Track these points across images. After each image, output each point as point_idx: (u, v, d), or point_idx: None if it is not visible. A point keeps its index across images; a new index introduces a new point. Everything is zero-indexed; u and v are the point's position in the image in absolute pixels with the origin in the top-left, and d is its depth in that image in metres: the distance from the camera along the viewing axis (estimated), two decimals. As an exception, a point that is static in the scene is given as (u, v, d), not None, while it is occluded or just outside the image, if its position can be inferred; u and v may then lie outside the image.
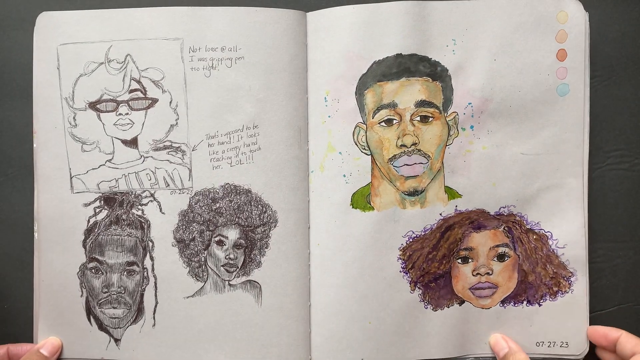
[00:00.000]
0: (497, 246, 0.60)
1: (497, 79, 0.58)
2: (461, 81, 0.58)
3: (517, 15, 0.58)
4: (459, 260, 0.60)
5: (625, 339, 0.56)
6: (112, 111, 0.60)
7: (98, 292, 0.61)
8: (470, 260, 0.60)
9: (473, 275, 0.60)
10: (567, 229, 0.59)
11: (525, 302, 0.60)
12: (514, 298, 0.60)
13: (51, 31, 0.60)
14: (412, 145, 0.59)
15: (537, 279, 0.60)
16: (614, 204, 0.61)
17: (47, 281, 0.61)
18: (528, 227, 0.60)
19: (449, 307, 0.60)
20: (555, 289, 0.60)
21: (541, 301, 0.60)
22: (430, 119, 0.59)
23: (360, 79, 0.59)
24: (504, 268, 0.60)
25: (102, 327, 0.61)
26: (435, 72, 0.58)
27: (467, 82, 0.58)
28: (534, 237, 0.60)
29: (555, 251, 0.60)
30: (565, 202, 0.59)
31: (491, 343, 0.60)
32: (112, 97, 0.60)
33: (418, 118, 0.59)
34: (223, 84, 0.59)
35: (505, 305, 0.60)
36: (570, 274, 0.60)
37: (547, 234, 0.60)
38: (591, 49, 0.60)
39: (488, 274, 0.60)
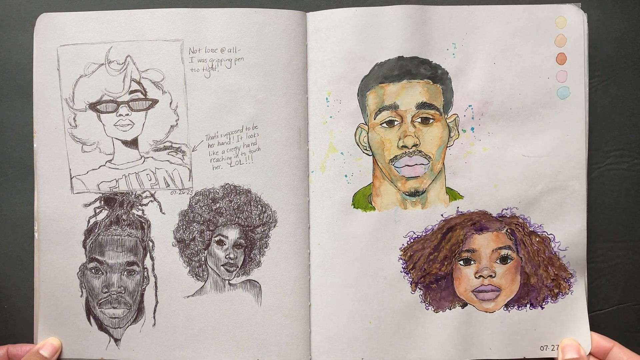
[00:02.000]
0: (500, 248, 0.60)
1: (496, 82, 0.59)
2: (461, 84, 0.59)
3: (515, 20, 0.58)
4: (461, 262, 0.60)
5: (617, 351, 0.56)
6: (112, 112, 0.60)
7: (98, 292, 0.61)
8: (472, 262, 0.60)
9: (475, 277, 0.60)
10: (569, 232, 0.59)
11: (528, 306, 0.60)
12: (518, 302, 0.60)
13: (51, 32, 0.60)
14: (413, 146, 0.59)
15: (539, 282, 0.60)
16: (614, 204, 0.61)
17: (47, 281, 0.61)
18: (531, 229, 0.60)
19: (450, 310, 0.60)
20: (555, 290, 0.60)
21: (543, 304, 0.60)
22: (431, 120, 0.59)
23: (362, 81, 0.59)
24: (506, 270, 0.60)
25: (102, 327, 0.61)
26: (435, 74, 0.59)
27: (467, 84, 0.59)
28: (537, 239, 0.60)
29: (557, 253, 0.60)
30: (567, 204, 0.59)
31: (562, 343, 0.59)
32: (112, 98, 0.60)
33: (419, 120, 0.59)
34: (223, 85, 0.59)
35: (509, 309, 0.60)
36: (570, 275, 0.60)
37: (549, 236, 0.60)
38: (591, 49, 0.60)
39: (491, 276, 0.60)
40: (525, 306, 0.60)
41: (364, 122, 0.60)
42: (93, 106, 0.60)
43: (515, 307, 0.60)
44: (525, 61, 0.59)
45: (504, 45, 0.59)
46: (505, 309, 0.60)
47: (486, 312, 0.60)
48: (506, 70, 0.59)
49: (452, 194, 0.60)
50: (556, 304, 0.60)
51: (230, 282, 0.61)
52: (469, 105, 0.59)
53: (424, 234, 0.60)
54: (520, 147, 0.59)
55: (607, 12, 0.61)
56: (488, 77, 0.59)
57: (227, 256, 0.61)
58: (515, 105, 0.59)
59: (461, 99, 0.59)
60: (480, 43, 0.59)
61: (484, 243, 0.60)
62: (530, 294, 0.60)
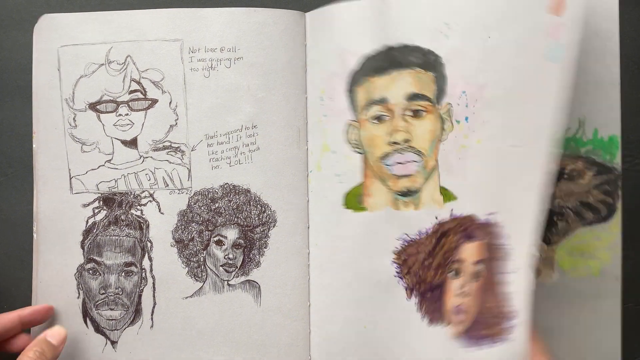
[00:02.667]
0: (477, 262, 0.53)
1: (491, 59, 0.53)
2: (455, 67, 0.55)
3: None
4: (452, 273, 0.54)
5: None
6: (112, 112, 0.60)
7: (95, 294, 0.60)
8: (460, 274, 0.54)
9: (458, 293, 0.54)
10: None
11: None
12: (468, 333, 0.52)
13: (52, 33, 0.60)
14: (405, 142, 0.56)
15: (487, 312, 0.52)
16: (614, 204, 0.61)
17: (44, 282, 0.60)
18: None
19: (442, 326, 0.54)
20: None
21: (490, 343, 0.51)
22: (423, 112, 0.56)
23: (352, 76, 0.57)
24: (476, 289, 0.53)
25: (98, 329, 0.60)
26: (427, 61, 0.55)
27: (461, 66, 0.54)
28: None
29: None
30: None
31: None
32: (112, 98, 0.60)
33: (410, 113, 0.56)
34: (222, 85, 0.59)
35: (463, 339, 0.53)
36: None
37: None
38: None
39: (468, 295, 0.53)
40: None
41: (354, 119, 0.58)
42: (93, 106, 0.60)
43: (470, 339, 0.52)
44: (520, 32, 0.52)
45: (500, 16, 0.52)
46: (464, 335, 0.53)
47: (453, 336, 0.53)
48: (501, 44, 0.52)
49: (446, 195, 0.56)
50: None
51: (229, 282, 0.60)
52: (463, 92, 0.54)
53: (417, 237, 0.56)
54: (514, 138, 0.52)
55: (606, 12, 0.61)
56: (482, 55, 0.53)
57: (226, 256, 0.60)
58: (509, 84, 0.52)
59: (454, 86, 0.55)
60: (474, 17, 0.53)
61: (471, 252, 0.53)
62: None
